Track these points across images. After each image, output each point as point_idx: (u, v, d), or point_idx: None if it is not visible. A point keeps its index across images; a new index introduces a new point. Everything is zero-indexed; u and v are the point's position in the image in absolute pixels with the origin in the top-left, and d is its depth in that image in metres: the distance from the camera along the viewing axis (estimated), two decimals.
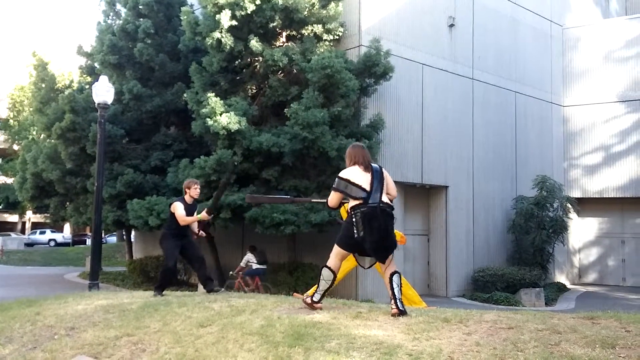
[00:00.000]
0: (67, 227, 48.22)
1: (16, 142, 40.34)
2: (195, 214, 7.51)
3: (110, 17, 18.36)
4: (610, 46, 20.28)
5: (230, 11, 12.75)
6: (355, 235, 4.91)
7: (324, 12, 13.70)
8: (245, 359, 4.22)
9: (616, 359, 3.57)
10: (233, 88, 14.33)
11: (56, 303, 7.08)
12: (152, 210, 13.79)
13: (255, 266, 13.27)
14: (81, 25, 79.05)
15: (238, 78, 14.44)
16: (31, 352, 5.26)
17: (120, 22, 17.00)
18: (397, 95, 15.45)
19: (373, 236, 4.87)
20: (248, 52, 13.43)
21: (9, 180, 40.40)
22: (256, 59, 13.86)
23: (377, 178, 5.05)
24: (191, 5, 16.06)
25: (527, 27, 19.67)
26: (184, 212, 7.30)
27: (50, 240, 44.34)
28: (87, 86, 17.40)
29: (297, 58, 13.16)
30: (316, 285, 5.32)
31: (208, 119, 12.49)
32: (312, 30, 13.74)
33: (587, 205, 20.36)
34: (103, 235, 32.46)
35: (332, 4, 13.77)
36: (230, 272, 13.65)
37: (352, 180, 5.03)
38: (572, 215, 19.31)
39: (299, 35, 13.97)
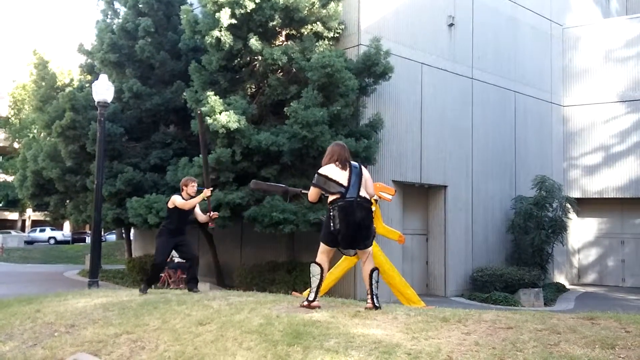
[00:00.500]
0: (66, 225, 48.22)
1: (17, 140, 40.35)
2: (197, 208, 7.64)
3: (109, 16, 18.39)
4: (610, 46, 20.28)
5: (229, 9, 12.74)
6: (332, 228, 5.16)
7: (324, 11, 13.70)
8: (244, 357, 4.22)
9: (616, 359, 3.58)
10: (232, 87, 14.32)
11: (56, 300, 7.10)
12: (152, 208, 13.80)
13: (177, 260, 14.02)
14: (82, 23, 79.04)
15: (237, 77, 14.43)
16: (31, 349, 5.27)
17: (119, 20, 17.01)
18: (396, 94, 15.45)
19: (349, 229, 5.13)
20: (247, 50, 13.42)
21: (10, 178, 40.40)
22: (255, 57, 13.85)
23: (356, 174, 5.32)
24: (191, 4, 16.05)
25: (527, 26, 19.67)
26: (183, 200, 7.42)
27: (50, 238, 44.36)
28: (87, 84, 17.42)
29: (296, 57, 13.15)
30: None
31: (207, 118, 12.49)
32: (311, 29, 13.74)
33: (587, 205, 20.36)
34: (102, 233, 32.43)
35: (332, 4, 13.76)
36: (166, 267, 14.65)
37: (330, 176, 5.29)
38: (572, 215, 19.31)
39: (299, 34, 13.96)
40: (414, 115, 15.91)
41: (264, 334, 4.53)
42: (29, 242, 42.17)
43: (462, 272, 16.80)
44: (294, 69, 13.61)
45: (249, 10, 12.80)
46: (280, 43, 14.26)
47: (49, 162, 17.09)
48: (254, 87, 14.73)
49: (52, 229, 45.80)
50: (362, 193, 5.28)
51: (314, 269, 5.35)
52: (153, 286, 8.63)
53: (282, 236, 14.16)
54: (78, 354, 4.97)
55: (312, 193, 5.45)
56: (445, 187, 16.62)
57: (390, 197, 8.33)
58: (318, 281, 5.33)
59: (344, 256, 8.25)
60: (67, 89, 16.21)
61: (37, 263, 28.31)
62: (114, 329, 5.38)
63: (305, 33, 13.76)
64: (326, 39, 14.00)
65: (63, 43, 66.13)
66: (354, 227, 5.13)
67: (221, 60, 13.60)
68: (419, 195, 16.69)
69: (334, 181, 5.25)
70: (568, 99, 20.90)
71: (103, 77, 12.20)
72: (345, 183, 5.23)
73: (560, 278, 19.93)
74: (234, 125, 12.33)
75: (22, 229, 51.76)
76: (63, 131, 15.37)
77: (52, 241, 43.71)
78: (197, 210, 7.73)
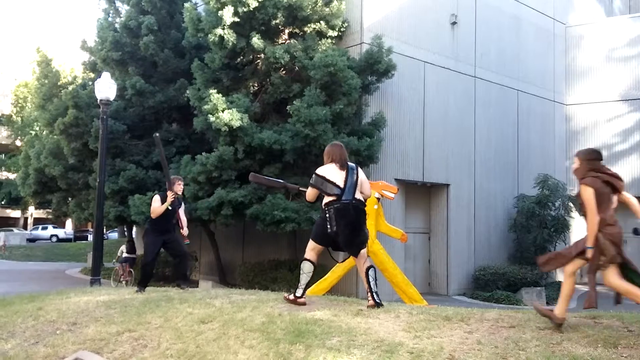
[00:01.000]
0: (69, 223, 48.31)
1: (19, 137, 40.43)
2: (182, 209, 7.91)
3: (110, 15, 18.39)
4: (613, 45, 20.22)
5: (232, 7, 12.74)
6: (329, 230, 5.24)
7: (327, 9, 13.67)
8: (246, 356, 4.22)
9: (618, 358, 3.57)
10: (235, 85, 14.32)
11: (58, 298, 7.11)
12: None
13: (125, 255, 16.12)
14: (84, 21, 79.04)
15: (240, 75, 14.42)
16: (33, 346, 5.28)
17: (121, 19, 17.01)
18: (399, 93, 15.42)
19: (345, 231, 5.20)
20: (250, 49, 13.41)
21: (12, 176, 40.50)
22: (258, 56, 13.84)
23: (352, 176, 5.35)
24: (194, 2, 16.05)
25: (530, 25, 19.61)
26: (157, 204, 7.56)
27: (52, 235, 44.45)
28: (90, 82, 17.41)
29: (299, 55, 13.14)
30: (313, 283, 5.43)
31: (210, 116, 12.49)
32: (314, 27, 13.72)
33: None
34: (105, 231, 32.50)
35: (335, 2, 13.73)
36: (113, 260, 17.13)
37: (328, 177, 5.33)
38: (574, 214, 19.27)
39: (302, 33, 13.95)
40: (417, 113, 15.88)
41: (266, 332, 4.53)
42: (31, 240, 42.25)
43: (464, 270, 16.78)
44: (297, 68, 13.60)
45: (251, 9, 12.79)
46: (283, 41, 14.25)
47: (52, 160, 17.10)
48: (256, 85, 14.73)
49: (54, 227, 45.90)
50: (357, 195, 5.34)
51: (306, 266, 5.44)
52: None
53: (284, 234, 14.16)
54: (80, 352, 4.98)
55: (310, 193, 5.50)
56: (447, 185, 16.60)
57: (392, 195, 8.33)
58: (308, 279, 5.42)
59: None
60: (70, 87, 16.22)
61: (39, 261, 28.37)
62: (116, 327, 5.39)
63: (308, 31, 13.74)
64: (329, 38, 13.97)
65: (65, 41, 66.16)
66: (350, 229, 5.21)
67: (224, 58, 13.59)
68: (421, 193, 16.67)
69: (331, 182, 5.29)
70: (571, 98, 20.85)
71: (106, 75, 12.21)
72: (341, 185, 5.27)
73: (562, 277, 19.87)
74: (236, 124, 12.33)
75: (25, 227, 51.86)
76: (66, 129, 15.38)
77: (54, 239, 43.80)
78: (183, 217, 7.90)
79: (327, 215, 5.24)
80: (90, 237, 39.90)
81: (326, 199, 5.32)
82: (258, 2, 12.78)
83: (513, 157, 18.78)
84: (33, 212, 49.84)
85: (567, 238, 18.49)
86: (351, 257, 7.87)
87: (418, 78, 15.94)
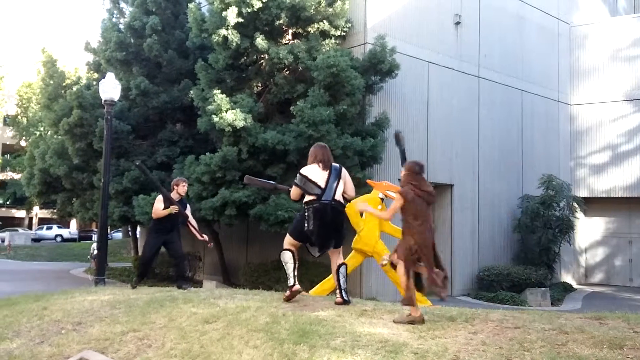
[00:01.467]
0: (73, 223, 48.47)
1: (24, 138, 40.58)
2: (188, 210, 8.07)
3: (114, 15, 18.43)
4: (617, 44, 20.15)
5: (236, 8, 12.75)
6: (305, 228, 5.33)
7: (330, 9, 13.67)
8: (251, 356, 4.22)
9: (624, 359, 3.56)
10: (239, 85, 14.33)
11: (63, 298, 7.13)
12: None
13: (95, 252, 17.83)
14: (88, 22, 79.31)
15: (244, 75, 14.44)
16: (38, 346, 5.29)
17: (126, 19, 17.05)
18: (403, 93, 15.41)
19: (321, 231, 5.31)
20: (254, 49, 13.42)
21: (17, 176, 40.64)
22: (262, 56, 13.85)
23: (335, 176, 5.48)
24: (199, 3, 16.07)
25: (534, 24, 19.56)
26: (160, 205, 7.71)
27: (56, 235, 44.57)
28: (94, 82, 17.47)
29: (302, 56, 13.14)
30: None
31: (214, 116, 12.50)
32: (318, 28, 13.72)
33: (594, 204, 20.24)
34: (109, 231, 32.59)
35: (339, 2, 13.72)
36: (88, 256, 20.19)
37: (310, 177, 5.45)
38: (579, 214, 19.22)
39: (305, 33, 13.94)
40: (421, 113, 15.86)
41: (270, 333, 4.53)
42: (36, 240, 42.37)
43: (468, 271, 16.75)
44: (300, 68, 13.60)
45: (255, 9, 12.80)
46: (287, 42, 14.25)
47: (56, 160, 17.16)
48: (260, 85, 14.74)
49: (59, 227, 46.04)
50: (338, 196, 5.45)
51: (285, 256, 5.52)
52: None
53: None
54: (85, 351, 4.99)
55: (293, 192, 5.61)
56: (451, 186, 16.57)
57: None
58: (293, 266, 5.50)
59: (351, 254, 8.29)
60: (75, 87, 16.26)
61: (44, 261, 28.45)
62: (120, 327, 5.40)
63: (312, 32, 13.74)
64: (332, 38, 13.97)
65: (70, 41, 66.38)
66: (326, 229, 5.33)
67: (228, 58, 13.60)
68: None
69: (313, 182, 5.41)
70: (575, 98, 20.78)
71: (110, 76, 12.23)
72: (322, 185, 5.39)
73: (567, 278, 19.83)
74: (240, 124, 12.34)
75: (29, 227, 52.03)
76: (70, 129, 15.43)
77: (59, 239, 43.92)
78: (192, 221, 8.07)
79: (306, 214, 5.35)
80: (94, 237, 40.01)
81: (307, 198, 5.43)
82: (262, 2, 12.80)
83: (517, 157, 18.73)
84: (38, 212, 50.04)
85: (571, 238, 18.46)
86: (358, 256, 7.93)
87: (422, 78, 15.92)
